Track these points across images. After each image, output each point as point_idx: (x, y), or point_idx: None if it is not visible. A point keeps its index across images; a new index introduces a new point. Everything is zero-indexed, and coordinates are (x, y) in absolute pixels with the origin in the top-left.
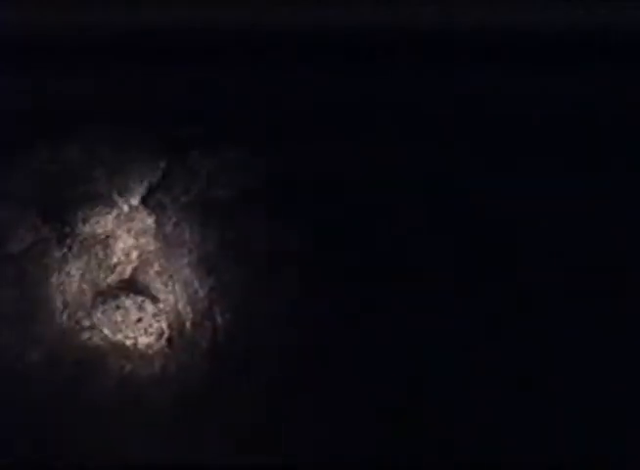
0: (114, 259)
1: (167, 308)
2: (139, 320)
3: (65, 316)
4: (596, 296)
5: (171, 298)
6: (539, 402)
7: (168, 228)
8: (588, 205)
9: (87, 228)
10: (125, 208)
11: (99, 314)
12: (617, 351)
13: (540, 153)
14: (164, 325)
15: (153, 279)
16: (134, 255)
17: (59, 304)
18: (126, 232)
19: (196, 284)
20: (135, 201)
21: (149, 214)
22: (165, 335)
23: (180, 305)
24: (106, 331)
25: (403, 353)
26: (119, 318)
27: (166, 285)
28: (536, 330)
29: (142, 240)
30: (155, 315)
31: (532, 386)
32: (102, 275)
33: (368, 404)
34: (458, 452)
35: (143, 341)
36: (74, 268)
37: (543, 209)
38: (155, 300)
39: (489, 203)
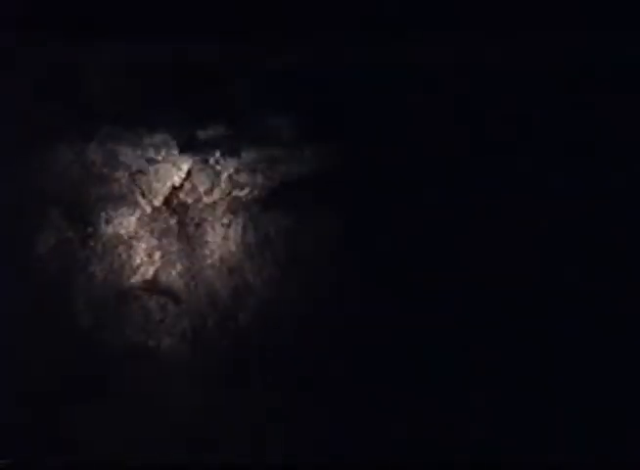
0: (137, 260)
1: (190, 309)
2: (161, 321)
3: (87, 317)
4: (596, 296)
5: (194, 299)
6: (539, 402)
7: (191, 229)
8: (588, 205)
9: (110, 229)
10: (148, 209)
11: (122, 315)
12: (617, 351)
13: (541, 152)
14: (187, 326)
15: (175, 280)
16: (157, 255)
17: (82, 304)
18: (149, 233)
19: (218, 285)
20: (158, 202)
21: (171, 215)
22: (188, 336)
23: (202, 306)
24: (128, 332)
25: (404, 354)
26: (142, 319)
27: (189, 286)
28: (536, 330)
29: (164, 241)
30: (177, 316)
31: (532, 386)
32: (125, 276)
33: (368, 405)
34: (458, 452)
35: (165, 342)
36: (97, 269)
37: (543, 209)
38: (177, 300)
39: (490, 203)
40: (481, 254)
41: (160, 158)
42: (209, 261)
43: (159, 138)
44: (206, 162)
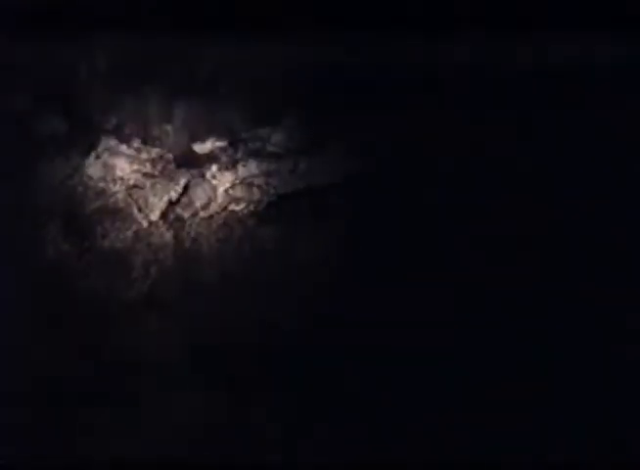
0: (134, 274)
1: (186, 323)
2: (158, 335)
3: (84, 331)
4: (596, 296)
5: (190, 312)
6: (539, 402)
7: (187, 243)
8: (588, 205)
9: (106, 243)
10: (144, 223)
11: (118, 328)
12: (617, 351)
13: (541, 152)
14: (183, 339)
15: (171, 294)
16: (153, 269)
17: (78, 318)
18: (146, 247)
19: (214, 298)
20: (154, 216)
21: (168, 230)
22: (184, 348)
23: (198, 320)
24: (125, 345)
25: (404, 355)
26: (138, 333)
27: (185, 300)
28: (536, 330)
29: (161, 255)
30: (173, 330)
31: (532, 386)
32: (121, 289)
33: (368, 405)
34: (458, 452)
35: (162, 354)
36: (94, 283)
37: (543, 209)
38: (173, 314)
39: (491, 203)
40: (482, 254)
41: (156, 172)
42: (206, 276)
43: (156, 153)
44: (203, 176)
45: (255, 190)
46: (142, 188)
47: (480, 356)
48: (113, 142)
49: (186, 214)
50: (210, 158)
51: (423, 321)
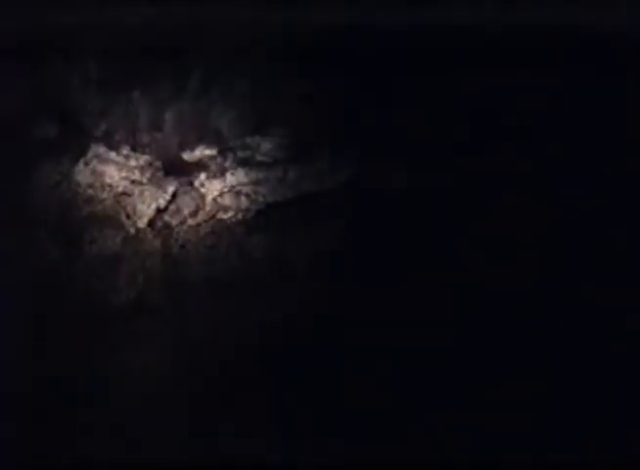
0: (121, 281)
1: (175, 329)
2: (147, 340)
3: (73, 338)
4: (596, 296)
5: (178, 318)
6: (539, 402)
7: (175, 250)
8: (588, 205)
9: (95, 250)
10: (132, 230)
11: (107, 336)
12: (616, 351)
13: (541, 152)
14: (172, 345)
15: (159, 300)
16: (141, 276)
17: (66, 326)
18: (133, 254)
19: (202, 304)
20: (142, 223)
21: (156, 237)
22: (174, 354)
23: (187, 326)
24: (115, 352)
25: (404, 355)
26: (128, 339)
27: (173, 306)
28: (536, 330)
29: (149, 262)
30: (162, 335)
31: (532, 386)
32: (109, 296)
33: (369, 406)
34: (458, 452)
35: (152, 360)
36: (82, 290)
37: (543, 209)
38: (162, 320)
39: (491, 203)
40: (482, 254)
41: (145, 179)
42: (193, 282)
43: (145, 160)
44: (192, 184)
45: (244, 198)
46: (130, 195)
47: (480, 356)
48: (102, 149)
49: (174, 222)
50: (199, 166)
51: (423, 321)
